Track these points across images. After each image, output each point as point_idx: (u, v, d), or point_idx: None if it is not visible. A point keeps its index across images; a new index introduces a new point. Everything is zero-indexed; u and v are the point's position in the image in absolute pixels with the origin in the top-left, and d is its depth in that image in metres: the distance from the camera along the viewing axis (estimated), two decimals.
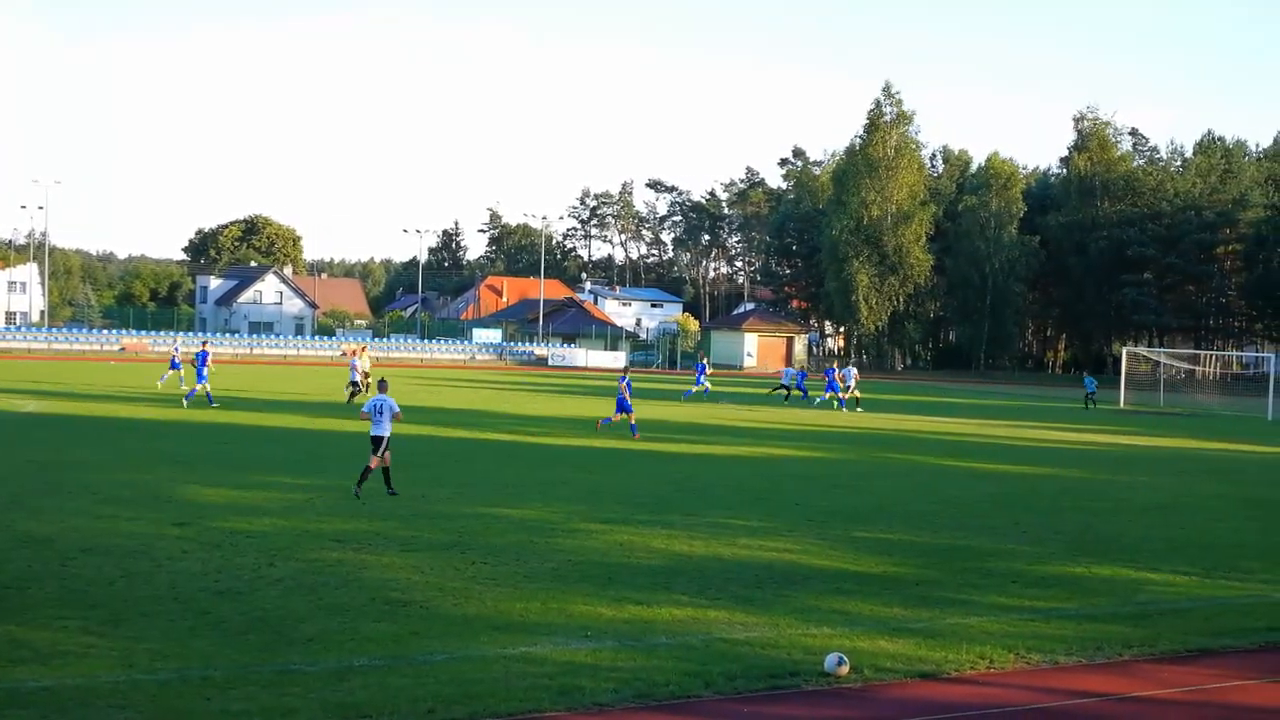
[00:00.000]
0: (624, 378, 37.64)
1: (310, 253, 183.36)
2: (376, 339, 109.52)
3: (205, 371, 42.10)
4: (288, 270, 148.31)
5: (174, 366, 49.86)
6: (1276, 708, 11.14)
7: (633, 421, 35.47)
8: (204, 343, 52.49)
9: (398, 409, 21.76)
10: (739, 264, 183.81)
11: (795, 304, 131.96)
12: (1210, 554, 18.64)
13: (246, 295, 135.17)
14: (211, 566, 15.09)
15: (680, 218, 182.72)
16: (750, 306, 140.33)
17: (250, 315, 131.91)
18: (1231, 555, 18.62)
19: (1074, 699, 11.18)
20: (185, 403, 40.66)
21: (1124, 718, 10.81)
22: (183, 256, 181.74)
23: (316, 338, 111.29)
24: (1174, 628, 13.82)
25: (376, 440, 21.38)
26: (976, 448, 36.32)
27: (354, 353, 48.02)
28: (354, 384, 44.36)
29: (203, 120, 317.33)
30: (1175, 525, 21.69)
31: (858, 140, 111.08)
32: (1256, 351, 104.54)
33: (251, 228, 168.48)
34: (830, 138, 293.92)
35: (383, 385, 22.62)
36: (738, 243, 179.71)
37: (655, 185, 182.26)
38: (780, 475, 27.16)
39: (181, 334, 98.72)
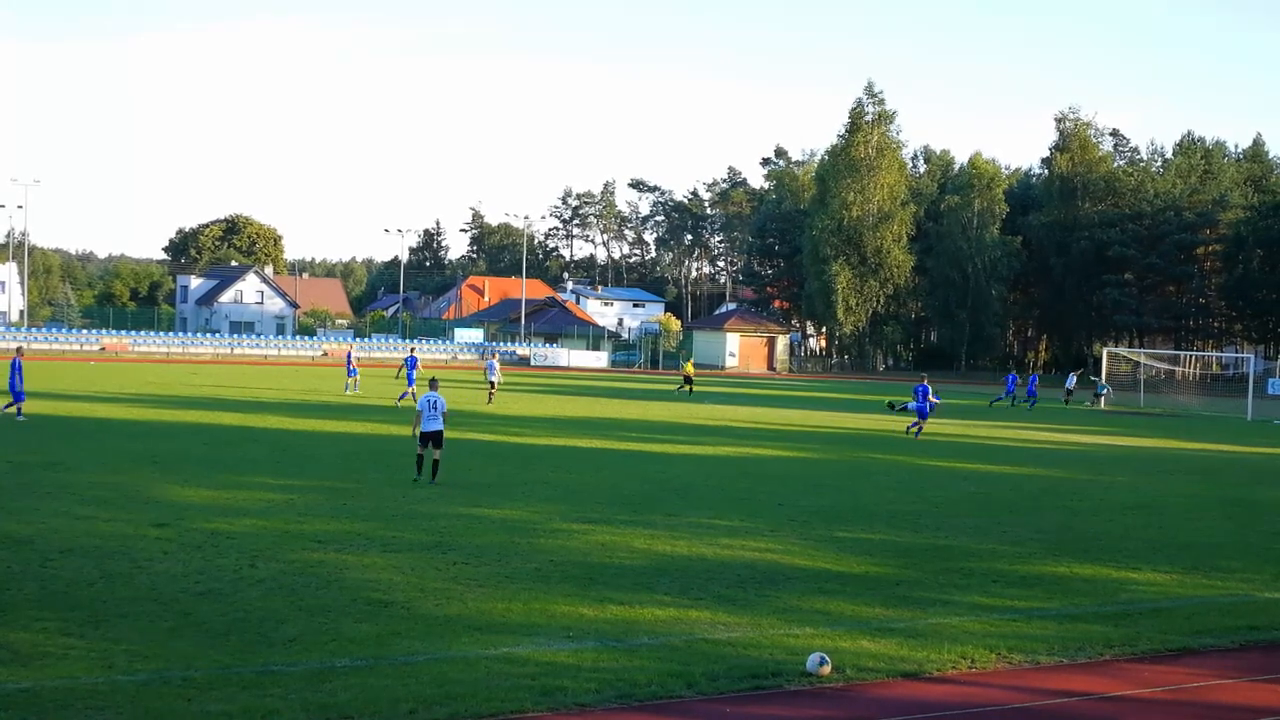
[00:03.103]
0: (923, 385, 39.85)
1: (291, 252, 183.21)
2: (359, 339, 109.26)
3: (414, 375, 46.14)
4: (269, 270, 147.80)
5: (351, 373, 51.28)
6: (1256, 706, 11.18)
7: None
8: (412, 348, 54.12)
9: (446, 407, 23.55)
10: (721, 264, 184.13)
11: (777, 304, 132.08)
12: (1190, 553, 18.72)
13: (227, 295, 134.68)
14: (192, 567, 15.03)
15: (662, 217, 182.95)
16: (732, 306, 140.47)
17: (231, 315, 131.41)
18: (1211, 555, 18.70)
19: (1055, 699, 11.21)
20: (399, 403, 43.76)
21: (1105, 717, 10.84)
22: (163, 256, 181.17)
23: (298, 337, 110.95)
24: (1154, 627, 13.87)
25: (426, 436, 23.13)
26: (958, 448, 36.39)
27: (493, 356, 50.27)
28: (494, 386, 48.59)
29: (184, 119, 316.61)
30: (1155, 525, 21.77)
31: (839, 140, 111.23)
32: (1236, 352, 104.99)
33: (232, 227, 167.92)
34: (812, 138, 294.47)
35: (434, 384, 24.31)
36: (720, 243, 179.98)
37: (637, 185, 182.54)
38: (762, 475, 27.18)
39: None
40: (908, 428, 39.85)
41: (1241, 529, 21.78)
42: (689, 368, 66.45)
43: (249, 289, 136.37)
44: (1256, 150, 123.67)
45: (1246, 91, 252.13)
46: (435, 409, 23.24)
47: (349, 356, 53.07)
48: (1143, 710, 11.03)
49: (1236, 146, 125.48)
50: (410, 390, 44.44)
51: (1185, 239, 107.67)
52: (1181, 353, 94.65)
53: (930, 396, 40.26)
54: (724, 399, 57.77)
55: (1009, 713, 10.82)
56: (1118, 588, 16.06)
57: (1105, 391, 63.63)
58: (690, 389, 60.41)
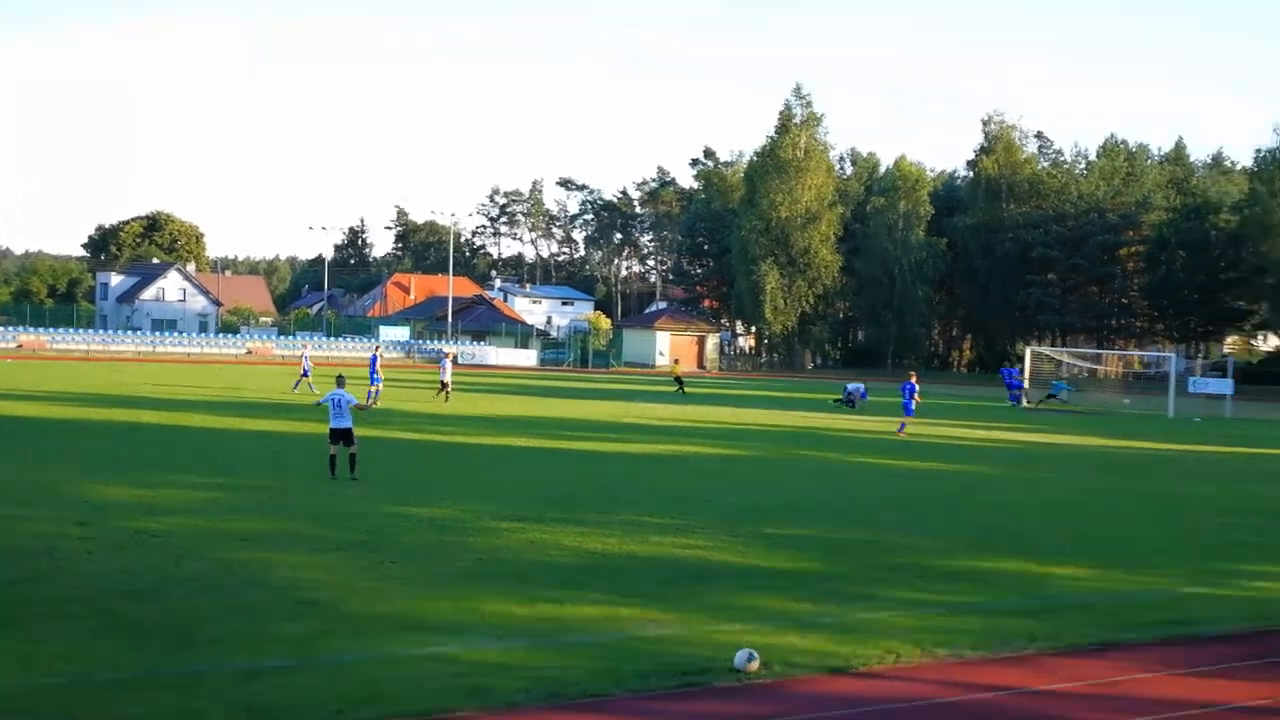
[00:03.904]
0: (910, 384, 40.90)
1: (214, 250, 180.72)
2: (282, 337, 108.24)
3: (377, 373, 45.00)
4: (191, 267, 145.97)
5: (305, 373, 50.75)
6: (1176, 699, 11.36)
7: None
8: (377, 347, 53.69)
9: (355, 400, 23.66)
10: (651, 263, 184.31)
11: (707, 303, 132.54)
12: (1112, 548, 19.00)
13: (149, 292, 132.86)
14: (115, 567, 14.82)
15: (592, 216, 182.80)
16: (662, 305, 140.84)
17: (153, 313, 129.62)
18: (1133, 550, 19.00)
19: (979, 693, 11.34)
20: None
21: (1028, 711, 10.97)
22: (82, 253, 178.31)
23: (221, 335, 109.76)
24: (1077, 621, 14.06)
25: (336, 432, 23.21)
26: (886, 445, 36.72)
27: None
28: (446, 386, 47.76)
29: (103, 114, 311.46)
30: (1078, 520, 22.09)
31: (768, 141, 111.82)
32: (1158, 351, 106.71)
33: (153, 224, 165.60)
34: (741, 139, 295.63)
35: (340, 381, 24.16)
36: (650, 241, 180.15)
37: (566, 183, 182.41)
38: (693, 472, 27.27)
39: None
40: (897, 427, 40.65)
41: (1163, 525, 22.15)
42: (677, 368, 66.73)
43: (171, 286, 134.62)
44: (1179, 153, 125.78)
45: (1169, 95, 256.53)
46: (341, 406, 23.24)
47: (304, 357, 53.18)
48: (1066, 704, 11.17)
49: (1159, 150, 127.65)
50: (373, 389, 43.46)
51: (1108, 240, 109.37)
52: (1104, 352, 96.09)
53: (917, 395, 41.64)
54: (655, 398, 57.86)
55: (934, 707, 10.92)
56: (1041, 583, 16.27)
57: (1062, 391, 63.18)
58: (682, 389, 60.90)
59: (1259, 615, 14.78)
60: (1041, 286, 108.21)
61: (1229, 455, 38.79)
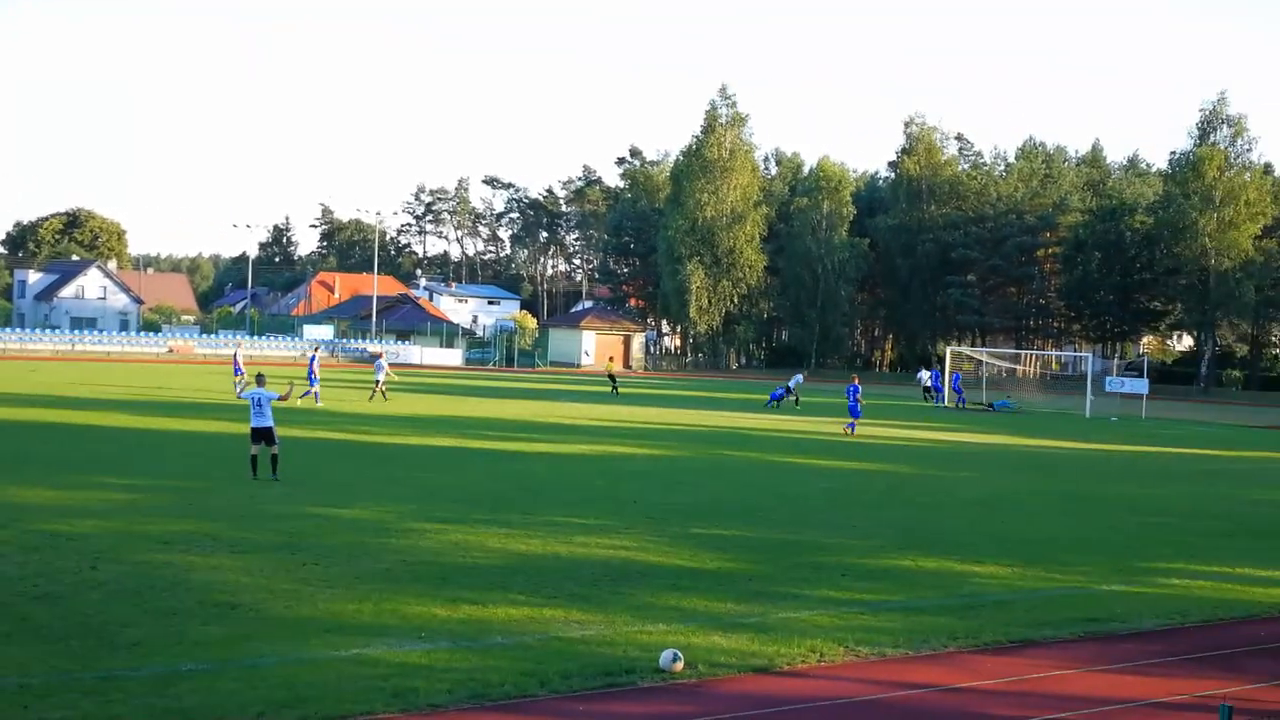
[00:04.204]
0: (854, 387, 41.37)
1: (136, 247, 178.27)
2: (205, 335, 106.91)
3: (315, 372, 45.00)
4: (112, 265, 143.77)
5: (238, 371, 50.29)
6: (1094, 696, 11.54)
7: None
8: (317, 347, 53.95)
9: (276, 396, 23.56)
10: (577, 262, 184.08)
11: (633, 302, 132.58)
12: (1031, 547, 19.27)
13: (68, 290, 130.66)
14: (29, 570, 14.56)
15: (517, 214, 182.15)
16: (588, 304, 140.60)
17: (72, 311, 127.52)
18: (1051, 549, 19.27)
19: (902, 690, 11.46)
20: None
21: (949, 708, 11.10)
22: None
23: (142, 334, 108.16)
24: (996, 619, 14.25)
25: (257, 432, 23.05)
26: (811, 445, 36.96)
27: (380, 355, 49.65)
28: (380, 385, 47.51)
29: (22, 109, 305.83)
30: (998, 519, 22.38)
31: (694, 141, 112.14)
32: (1075, 351, 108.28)
33: (73, 221, 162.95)
34: (666, 138, 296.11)
35: (260, 379, 23.93)
36: (576, 240, 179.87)
37: (491, 182, 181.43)
38: (619, 473, 27.29)
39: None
40: (844, 427, 41.32)
41: (1080, 524, 22.48)
42: (611, 365, 66.54)
43: (91, 284, 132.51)
44: (1095, 155, 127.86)
45: (1086, 98, 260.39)
46: (262, 405, 23.13)
47: (236, 356, 52.65)
48: (985, 700, 11.32)
49: (1076, 152, 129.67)
50: (314, 389, 43.58)
51: (1026, 241, 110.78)
52: (1022, 352, 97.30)
53: (859, 396, 42.13)
54: (582, 397, 57.80)
55: (857, 705, 11.02)
56: (962, 581, 16.47)
57: (1006, 407, 62.44)
58: (615, 389, 60.91)
59: (1174, 612, 15.06)
60: (961, 287, 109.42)
61: (1145, 454, 39.44)
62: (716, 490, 24.91)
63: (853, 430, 40.69)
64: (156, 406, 41.52)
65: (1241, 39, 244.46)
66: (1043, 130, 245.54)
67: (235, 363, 51.66)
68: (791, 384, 56.29)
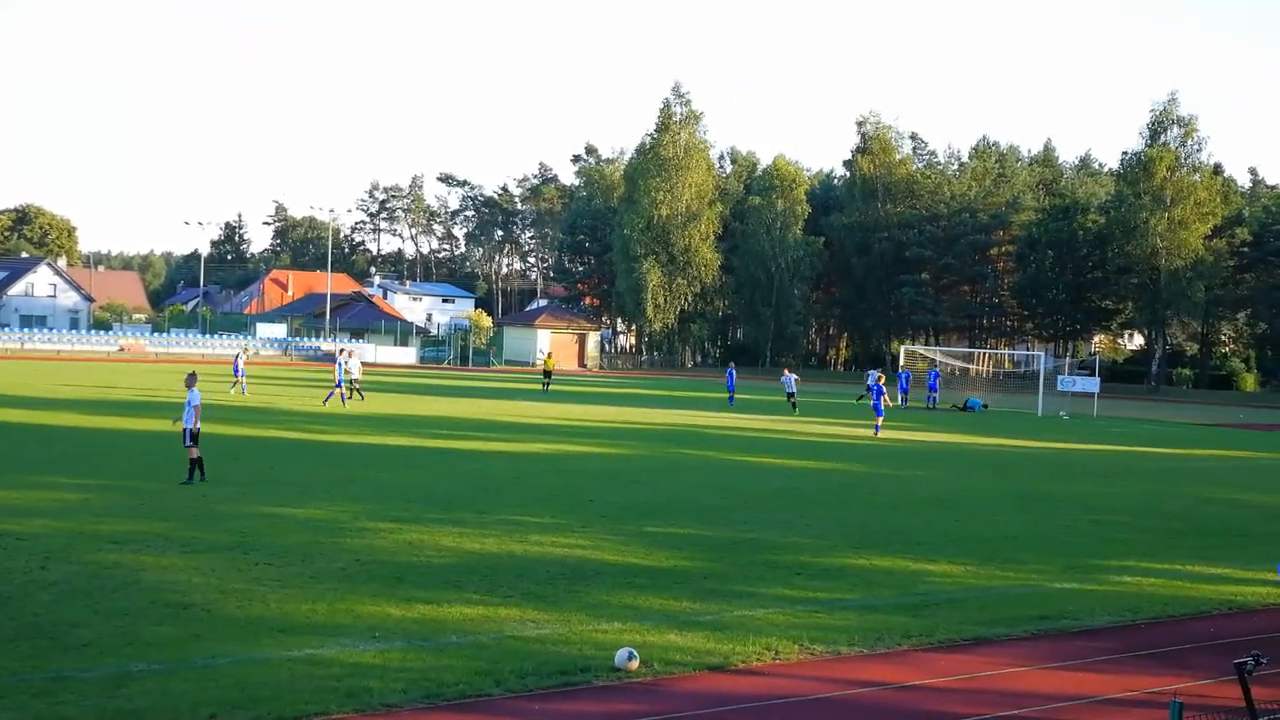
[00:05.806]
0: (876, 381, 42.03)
1: (86, 244, 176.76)
2: (156, 334, 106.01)
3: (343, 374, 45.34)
4: (62, 262, 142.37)
5: (237, 373, 49.90)
6: (1047, 693, 11.62)
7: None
8: (341, 349, 53.44)
9: (199, 401, 23.18)
10: (532, 260, 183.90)
11: (588, 301, 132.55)
12: (985, 546, 19.38)
13: (17, 287, 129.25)
14: None
15: (473, 212, 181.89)
16: (543, 303, 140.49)
17: (21, 308, 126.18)
18: (1004, 547, 19.40)
19: (856, 688, 11.50)
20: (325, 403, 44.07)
21: (903, 705, 11.14)
22: None
23: (93, 332, 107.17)
24: (950, 617, 14.33)
25: (193, 434, 22.81)
26: (766, 443, 37.03)
27: (346, 353, 49.11)
28: (341, 385, 45.62)
29: None
30: (952, 518, 22.49)
31: (648, 139, 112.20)
32: (1027, 350, 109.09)
33: (23, 217, 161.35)
34: (621, 136, 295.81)
35: (191, 379, 23.71)
36: (531, 238, 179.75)
37: (446, 179, 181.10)
38: (575, 471, 27.24)
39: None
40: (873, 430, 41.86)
41: (1033, 522, 22.63)
42: (550, 362, 66.28)
43: (41, 281, 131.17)
44: (1048, 155, 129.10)
45: (1039, 98, 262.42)
46: (188, 407, 23.03)
47: (237, 359, 52.45)
48: (939, 698, 11.37)
49: (1029, 151, 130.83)
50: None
51: (980, 240, 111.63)
52: (975, 350, 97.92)
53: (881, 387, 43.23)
54: (536, 396, 57.69)
55: (812, 703, 11.05)
56: (916, 579, 16.55)
57: (975, 407, 62.40)
58: (546, 386, 60.81)
59: (1126, 609, 15.18)
60: (915, 286, 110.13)
61: (1096, 452, 39.75)
62: (672, 489, 24.91)
63: (879, 432, 41.39)
64: (108, 405, 41.13)
65: (1192, 41, 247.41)
66: (996, 130, 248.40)
67: (236, 365, 51.13)
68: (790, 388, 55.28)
